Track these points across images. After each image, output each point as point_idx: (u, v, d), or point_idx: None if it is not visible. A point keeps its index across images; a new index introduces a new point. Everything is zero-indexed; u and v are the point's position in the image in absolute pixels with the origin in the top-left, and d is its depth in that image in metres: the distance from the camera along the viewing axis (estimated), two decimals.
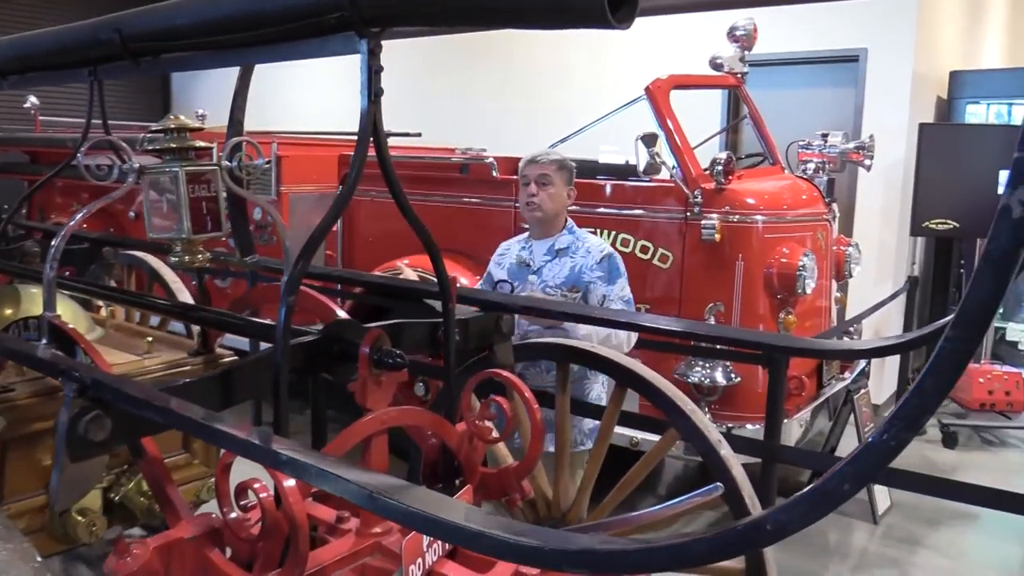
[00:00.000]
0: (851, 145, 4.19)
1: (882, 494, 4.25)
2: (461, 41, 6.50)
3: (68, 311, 2.80)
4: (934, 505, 4.19)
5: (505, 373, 2.00)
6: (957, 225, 5.42)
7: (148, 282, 3.81)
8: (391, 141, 5.68)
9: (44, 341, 1.91)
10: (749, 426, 3.82)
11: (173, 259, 2.07)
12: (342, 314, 2.22)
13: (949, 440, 5.19)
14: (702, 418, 2.20)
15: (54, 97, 7.14)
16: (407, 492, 0.99)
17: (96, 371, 1.54)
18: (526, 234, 3.16)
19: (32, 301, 2.74)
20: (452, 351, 1.97)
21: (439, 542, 1.73)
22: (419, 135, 6.82)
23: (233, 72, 2.41)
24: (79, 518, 2.32)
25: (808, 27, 5.65)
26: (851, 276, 4.65)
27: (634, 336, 2.80)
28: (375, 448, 1.76)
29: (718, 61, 4.47)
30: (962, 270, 6.26)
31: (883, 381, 5.70)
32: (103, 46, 2.07)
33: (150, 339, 2.71)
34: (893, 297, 4.96)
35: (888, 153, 5.59)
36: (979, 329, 0.77)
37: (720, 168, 3.79)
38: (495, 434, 2.04)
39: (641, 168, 3.72)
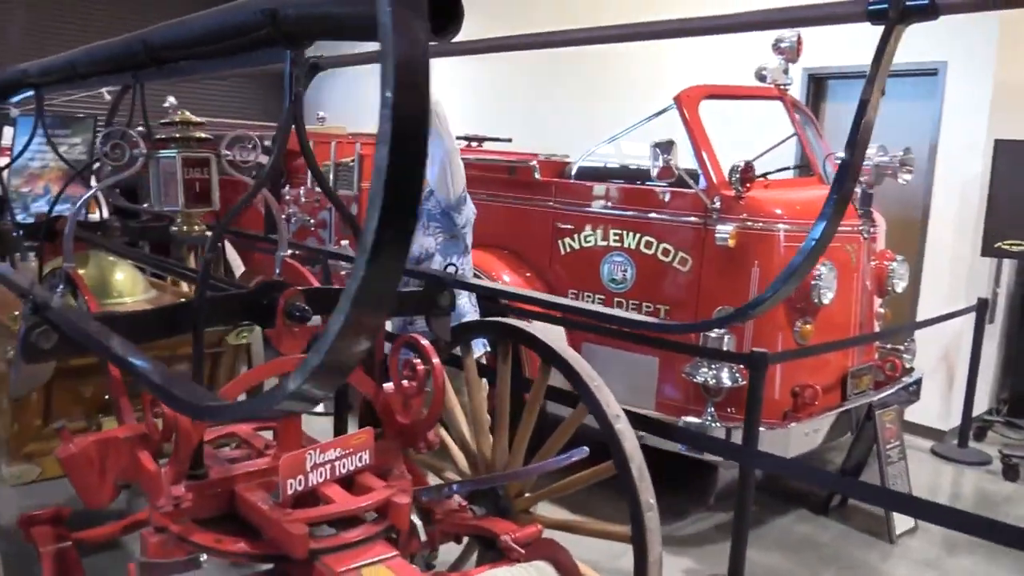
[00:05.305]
0: (886, 158, 4.14)
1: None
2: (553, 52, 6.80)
3: (128, 274, 3.39)
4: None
5: (417, 337, 2.31)
6: None
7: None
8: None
9: (61, 286, 2.42)
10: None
11: None
12: (314, 282, 2.60)
13: (1010, 472, 4.94)
14: (607, 395, 2.42)
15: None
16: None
17: (48, 296, 1.97)
18: None
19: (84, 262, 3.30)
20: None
21: (328, 467, 2.07)
22: (509, 140, 7.21)
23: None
24: None
25: None
26: (894, 291, 4.57)
27: None
28: None
29: (763, 72, 4.55)
30: None
31: (951, 408, 5.48)
32: (135, 56, 2.57)
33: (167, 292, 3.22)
34: (946, 318, 4.78)
35: (966, 168, 5.39)
36: None
37: (737, 176, 3.91)
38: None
39: (654, 173, 3.89)
